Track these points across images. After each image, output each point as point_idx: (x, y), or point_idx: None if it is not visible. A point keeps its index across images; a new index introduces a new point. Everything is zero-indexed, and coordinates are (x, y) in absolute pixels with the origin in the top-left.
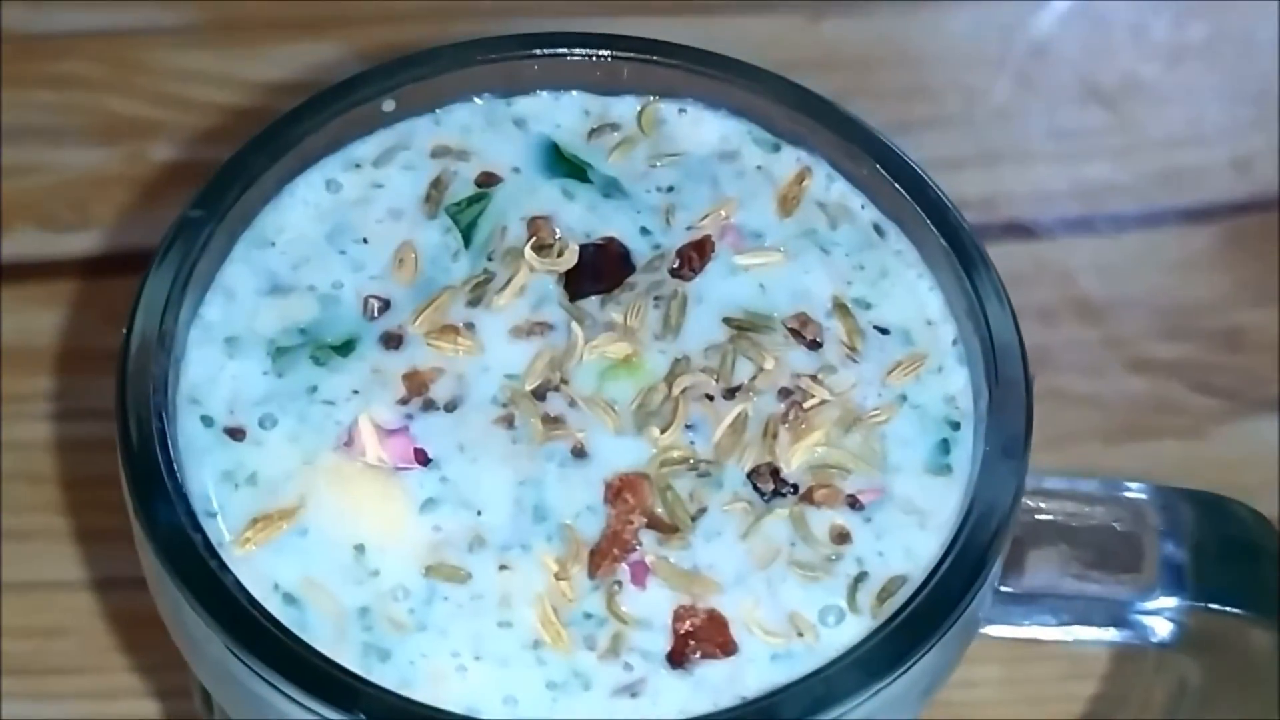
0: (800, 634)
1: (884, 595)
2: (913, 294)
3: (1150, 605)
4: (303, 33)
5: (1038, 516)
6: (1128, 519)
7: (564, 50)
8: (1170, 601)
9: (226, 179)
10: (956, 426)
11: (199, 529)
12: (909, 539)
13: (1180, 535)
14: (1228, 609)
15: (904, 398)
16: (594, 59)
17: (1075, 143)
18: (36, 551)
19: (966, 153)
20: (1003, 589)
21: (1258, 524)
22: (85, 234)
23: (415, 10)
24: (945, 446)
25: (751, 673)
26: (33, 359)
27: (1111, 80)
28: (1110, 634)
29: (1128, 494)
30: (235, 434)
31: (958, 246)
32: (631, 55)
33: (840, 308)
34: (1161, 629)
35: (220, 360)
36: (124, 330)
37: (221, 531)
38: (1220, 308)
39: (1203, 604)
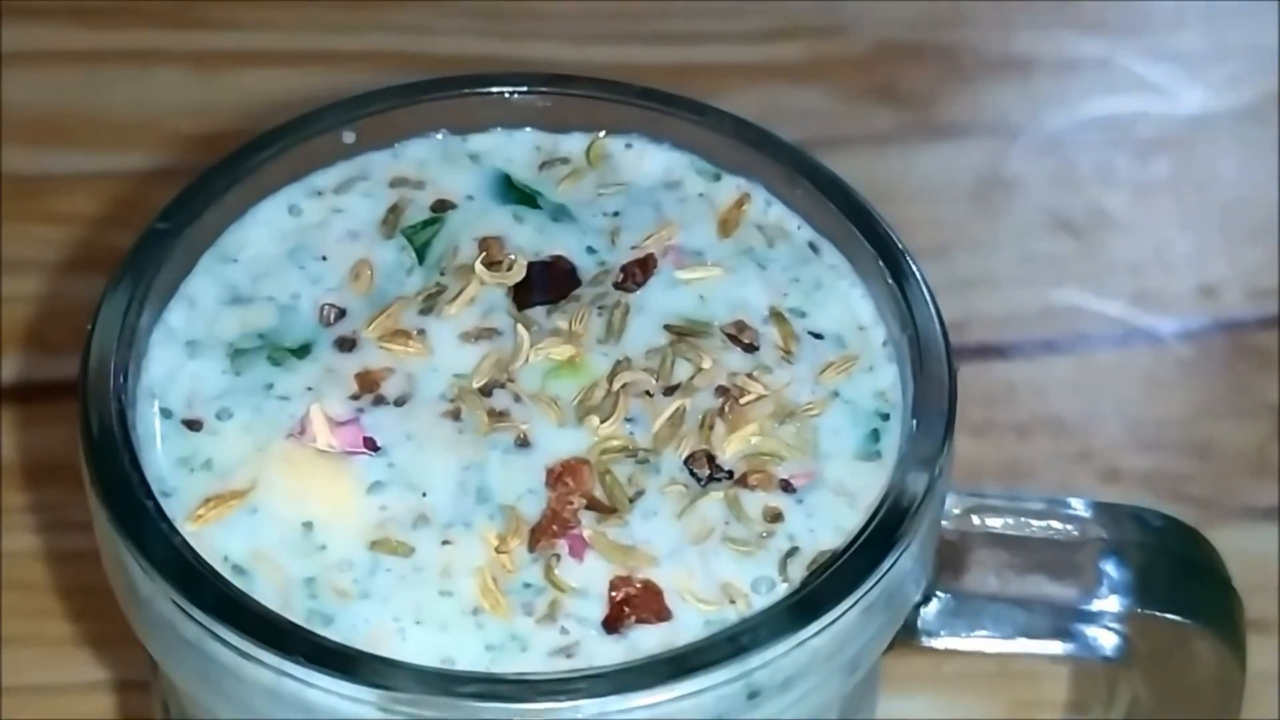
0: (733, 601)
1: (813, 566)
2: (845, 303)
3: (1092, 608)
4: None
5: (979, 526)
6: (1069, 530)
7: (517, 90)
8: (1113, 605)
9: (191, 197)
10: (886, 417)
11: (153, 499)
12: (839, 517)
13: (1122, 546)
14: (1169, 615)
15: (836, 394)
16: (545, 97)
17: (1044, 269)
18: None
19: (938, 279)
20: (940, 594)
21: (1197, 540)
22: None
23: None
24: (875, 435)
25: (685, 637)
26: (29, 474)
27: (1079, 212)
28: (1055, 647)
29: (1070, 509)
30: (193, 425)
31: (887, 256)
32: (580, 94)
33: (776, 316)
34: (1106, 640)
35: (181, 360)
36: (88, 326)
37: (175, 509)
38: (1190, 421)
39: (1144, 610)
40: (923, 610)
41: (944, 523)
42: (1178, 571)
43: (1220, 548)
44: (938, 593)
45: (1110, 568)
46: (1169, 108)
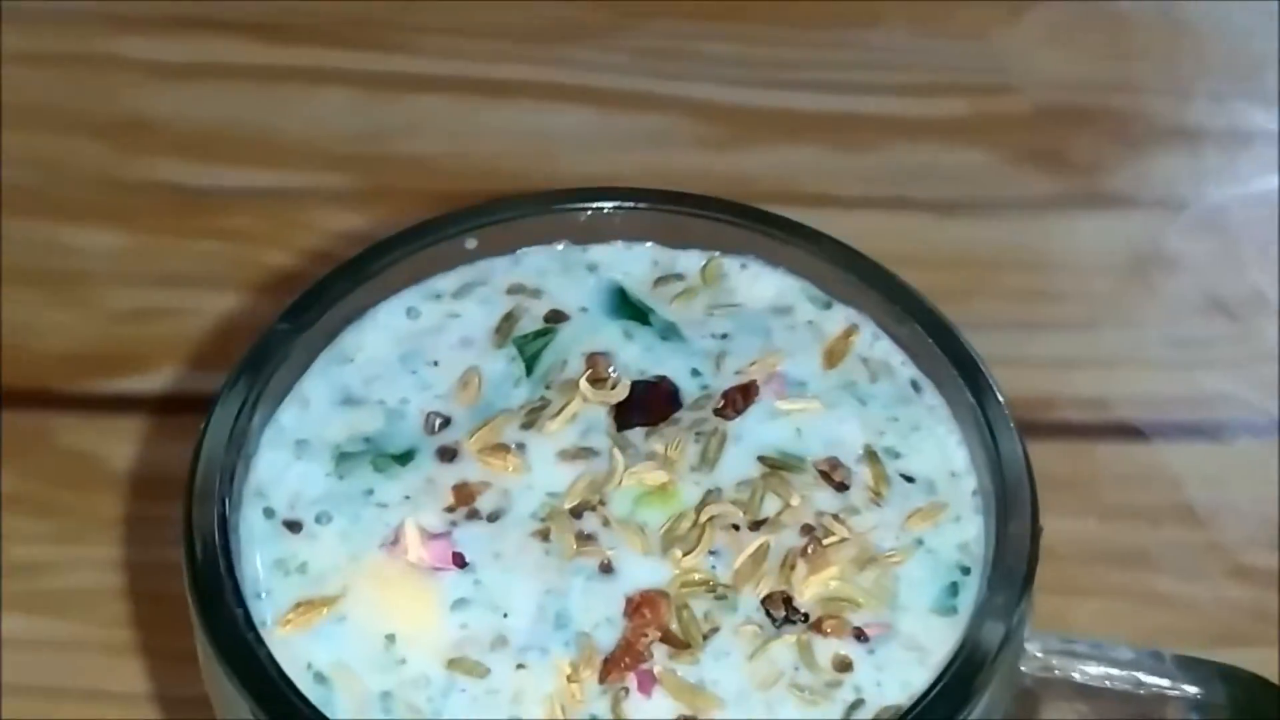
0: None
1: None
2: (941, 447)
3: None
4: (454, 204)
5: (1058, 674)
6: (1153, 686)
7: (640, 205)
8: None
9: (314, 299)
10: (967, 571)
11: (243, 606)
12: (908, 673)
13: (1208, 706)
14: None
15: (920, 542)
16: (666, 214)
17: (1195, 351)
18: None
19: (1083, 354)
20: None
21: None
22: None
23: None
24: (954, 589)
25: None
26: (170, 486)
27: (1237, 294)
28: None
29: (1157, 662)
30: (293, 527)
31: (984, 406)
32: (701, 213)
33: (870, 455)
34: None
35: (288, 460)
36: (202, 425)
37: (267, 612)
38: None
39: None
40: None
41: (1023, 668)
42: None
43: None
44: None
45: None
46: None
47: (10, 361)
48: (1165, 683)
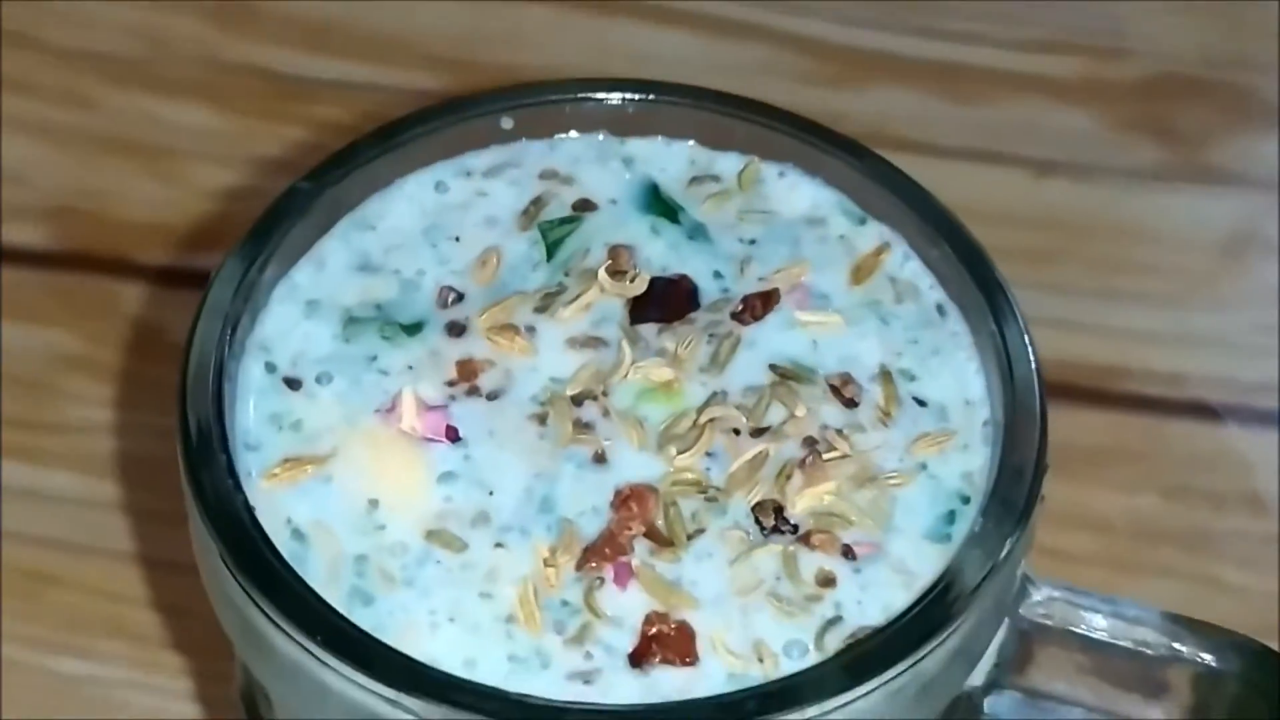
0: (760, 660)
1: (850, 640)
2: (958, 374)
3: None
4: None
5: (1059, 621)
6: (1161, 648)
7: (683, 100)
8: None
9: (341, 161)
10: (967, 501)
11: (228, 454)
12: (891, 596)
13: (1217, 675)
14: None
15: (923, 466)
16: (709, 113)
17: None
18: None
19: (1165, 329)
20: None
21: None
22: None
23: None
24: (950, 517)
25: (704, 687)
26: None
27: None
28: None
29: (1168, 623)
30: (292, 384)
31: (1006, 335)
32: (745, 116)
33: (885, 375)
34: None
35: (296, 319)
36: (215, 270)
37: (254, 463)
38: None
39: None
40: (991, 701)
41: (1023, 612)
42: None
43: None
44: (1009, 688)
45: (1199, 694)
46: None
47: (91, 226)
48: (1175, 645)
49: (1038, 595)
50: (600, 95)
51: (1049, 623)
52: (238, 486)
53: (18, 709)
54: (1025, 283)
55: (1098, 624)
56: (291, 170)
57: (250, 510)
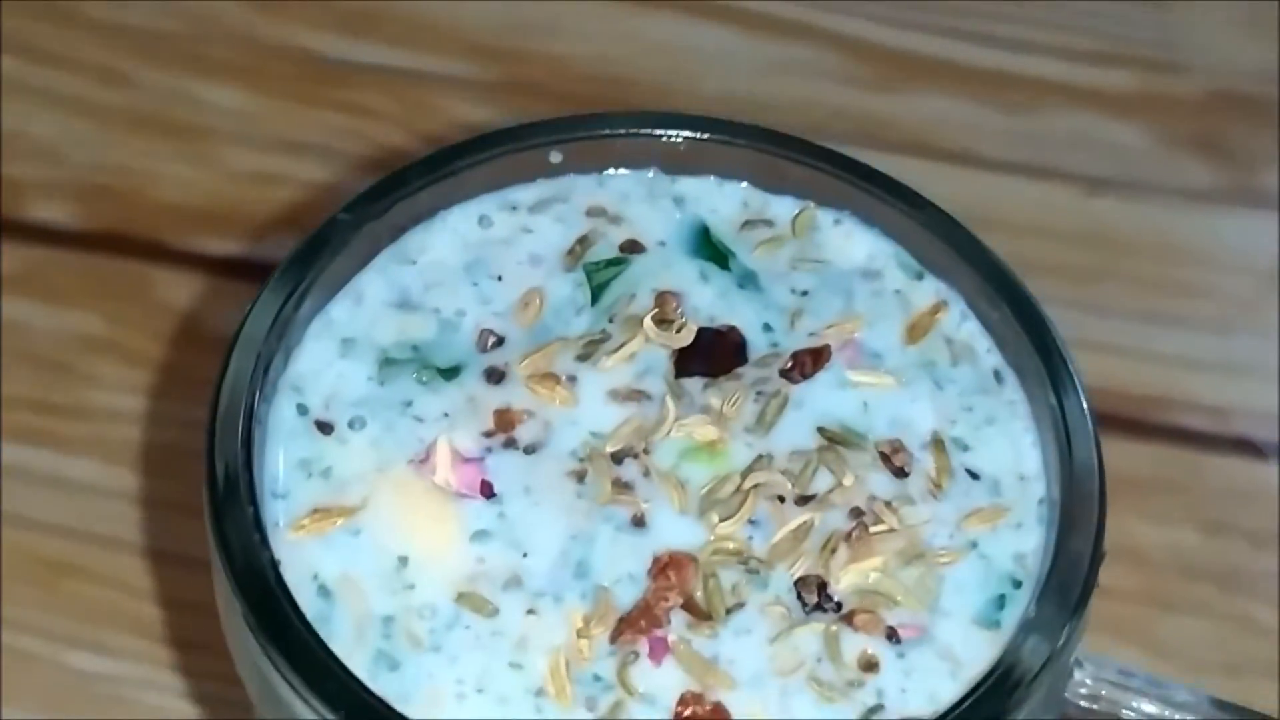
0: None
1: None
2: (1014, 446)
3: None
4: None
5: (1106, 707)
6: None
7: (737, 140)
8: None
9: (384, 192)
10: (1018, 585)
11: (255, 506)
12: (937, 685)
13: None
14: None
15: (974, 544)
16: (766, 154)
17: None
18: None
19: (1210, 357)
20: None
21: None
22: None
23: (699, 107)
24: (1001, 602)
25: None
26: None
27: None
28: None
29: (1218, 711)
30: (324, 428)
31: (1066, 409)
32: (803, 159)
33: (937, 443)
34: None
35: (331, 357)
36: (248, 306)
37: (282, 513)
38: None
39: None
40: None
41: (1068, 695)
42: None
43: None
44: None
45: None
46: None
47: (124, 208)
48: None
49: (1083, 675)
50: (653, 130)
51: (1094, 707)
52: (264, 542)
53: (25, 701)
54: (1067, 302)
55: (1145, 709)
56: (326, 156)
57: (276, 567)
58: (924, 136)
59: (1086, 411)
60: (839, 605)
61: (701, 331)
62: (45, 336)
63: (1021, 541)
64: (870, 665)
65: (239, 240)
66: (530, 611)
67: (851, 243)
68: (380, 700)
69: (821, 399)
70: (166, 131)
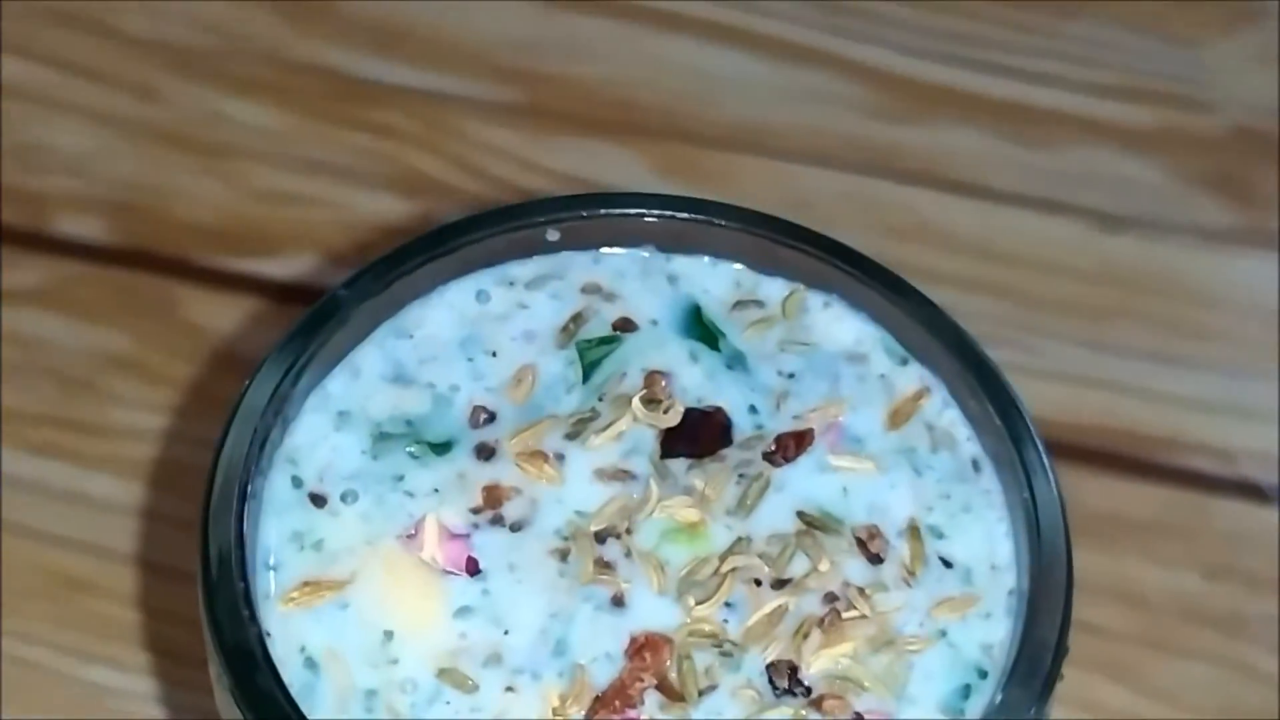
0: None
1: None
2: (988, 536)
3: None
4: (604, 133)
5: None
6: None
7: (732, 223)
8: None
9: (384, 268)
10: (984, 675)
11: (246, 581)
12: None
13: None
14: None
15: (943, 633)
16: (758, 238)
17: None
18: None
19: (1218, 399)
20: None
21: None
22: None
23: (715, 133)
24: (966, 692)
25: None
26: None
27: None
28: None
29: None
30: (318, 500)
31: (1039, 502)
32: (794, 243)
33: (913, 530)
34: None
35: (326, 430)
36: (246, 381)
37: (273, 585)
38: None
39: None
40: None
41: None
42: None
43: None
44: None
45: None
46: None
47: (151, 224)
48: None
49: None
50: (649, 210)
51: None
52: (253, 617)
53: (36, 715)
54: (1078, 340)
55: None
56: (350, 177)
57: (263, 643)
58: (938, 167)
59: (1058, 498)
60: (809, 690)
61: (688, 412)
62: (69, 352)
63: (989, 632)
64: None
65: (263, 259)
66: (509, 689)
67: (839, 326)
68: None
69: (802, 483)
70: (194, 147)
